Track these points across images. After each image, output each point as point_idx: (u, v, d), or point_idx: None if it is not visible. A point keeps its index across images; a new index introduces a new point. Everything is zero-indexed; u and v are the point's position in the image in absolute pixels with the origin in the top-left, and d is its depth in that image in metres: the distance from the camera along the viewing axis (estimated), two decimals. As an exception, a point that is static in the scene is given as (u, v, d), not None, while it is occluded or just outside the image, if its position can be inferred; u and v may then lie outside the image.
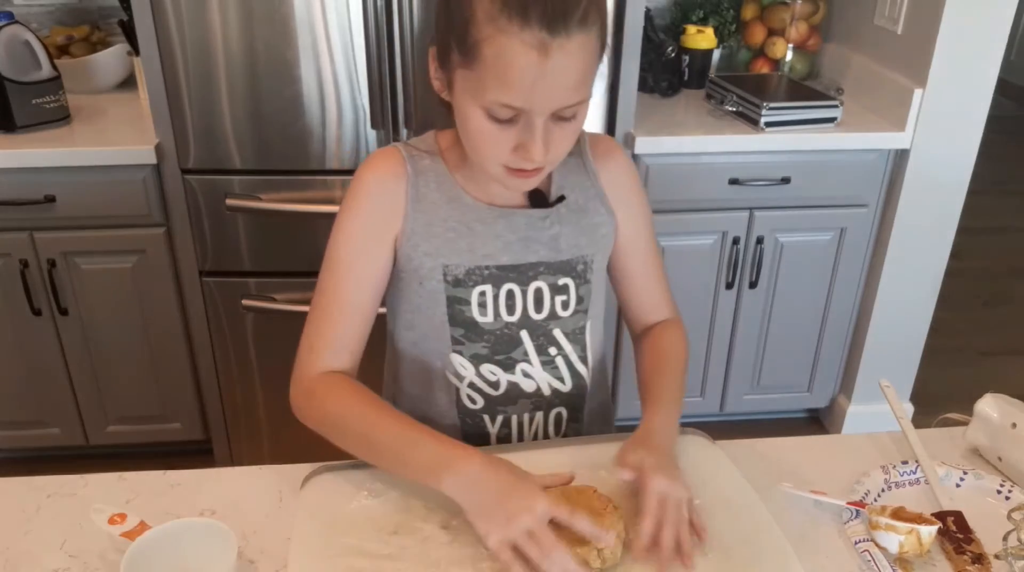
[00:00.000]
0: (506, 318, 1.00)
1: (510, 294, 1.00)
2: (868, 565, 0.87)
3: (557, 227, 1.00)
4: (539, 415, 1.06)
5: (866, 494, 0.97)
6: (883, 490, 0.99)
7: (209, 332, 2.09)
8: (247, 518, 0.94)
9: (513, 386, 1.04)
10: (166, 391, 2.19)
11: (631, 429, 0.98)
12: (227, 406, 2.18)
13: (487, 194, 1.00)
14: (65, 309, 2.05)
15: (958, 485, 1.00)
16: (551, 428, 1.07)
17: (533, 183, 0.94)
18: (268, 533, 0.93)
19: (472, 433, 1.06)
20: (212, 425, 2.23)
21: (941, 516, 0.93)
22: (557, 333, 1.03)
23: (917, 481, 1.01)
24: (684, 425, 1.07)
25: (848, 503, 0.95)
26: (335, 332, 0.99)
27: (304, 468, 0.99)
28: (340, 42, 1.82)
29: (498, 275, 0.99)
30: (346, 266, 0.99)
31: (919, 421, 1.08)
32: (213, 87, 1.84)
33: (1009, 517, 0.91)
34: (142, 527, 0.88)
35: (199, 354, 2.13)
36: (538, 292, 1.01)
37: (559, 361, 1.04)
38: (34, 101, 1.97)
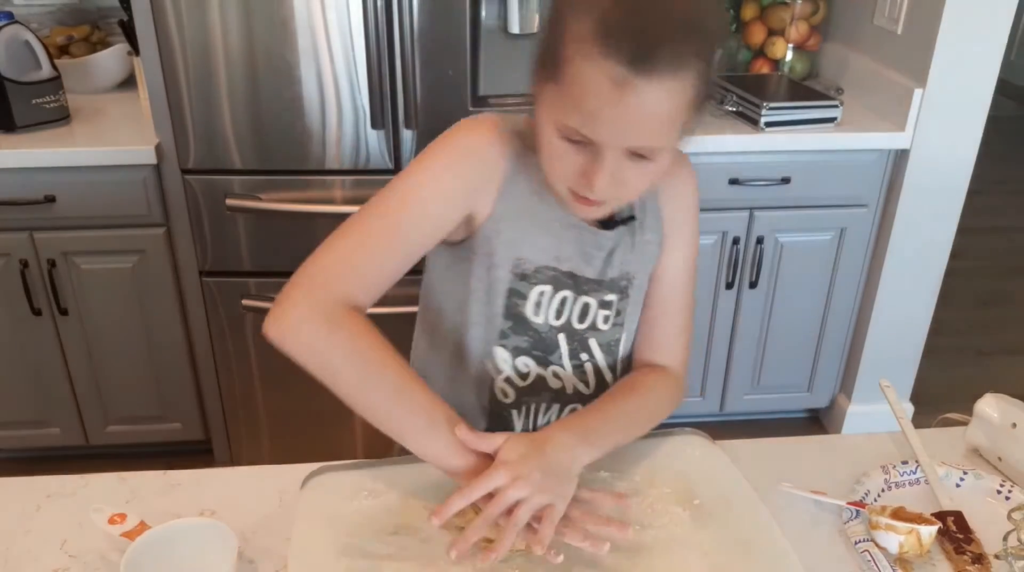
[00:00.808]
0: (552, 322, 0.99)
1: (563, 301, 0.98)
2: (868, 565, 0.87)
3: (616, 246, 0.98)
4: (556, 407, 1.05)
5: (866, 494, 0.97)
6: (883, 490, 0.99)
7: (209, 332, 2.09)
8: (247, 518, 0.94)
9: (540, 380, 1.03)
10: (166, 391, 2.19)
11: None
12: (227, 406, 2.18)
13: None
14: (65, 309, 2.05)
15: (958, 485, 1.00)
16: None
17: (596, 214, 0.91)
18: (268, 533, 0.93)
19: (497, 427, 1.04)
20: (212, 425, 2.23)
21: (941, 516, 0.93)
22: (592, 343, 1.02)
23: (917, 481, 1.01)
24: (684, 425, 1.07)
25: (848, 503, 0.95)
26: (381, 265, 0.90)
27: (304, 468, 0.99)
28: (340, 42, 1.82)
29: (560, 279, 0.97)
30: (421, 205, 0.90)
31: (919, 421, 1.08)
32: (213, 87, 1.84)
33: (1009, 517, 0.91)
34: (142, 527, 0.88)
35: (199, 354, 2.13)
36: (585, 306, 1.00)
37: (587, 366, 1.04)
38: (34, 101, 1.97)
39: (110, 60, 2.27)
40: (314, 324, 0.86)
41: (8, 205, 1.93)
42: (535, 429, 1.05)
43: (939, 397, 2.34)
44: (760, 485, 0.97)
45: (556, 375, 1.03)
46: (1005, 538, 0.88)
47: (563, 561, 0.82)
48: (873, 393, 2.37)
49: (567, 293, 0.98)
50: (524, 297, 0.97)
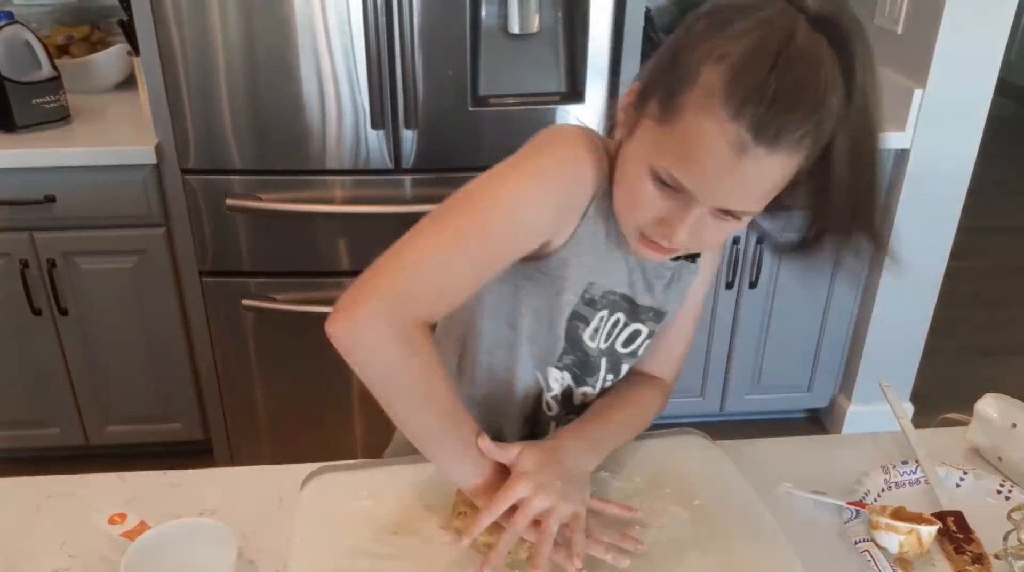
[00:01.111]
0: (601, 345, 0.97)
1: (615, 323, 0.96)
2: (868, 565, 0.87)
3: (673, 278, 0.97)
4: (572, 416, 1.04)
5: (866, 494, 0.97)
6: (883, 490, 0.99)
7: (209, 332, 2.09)
8: (247, 518, 0.94)
9: (567, 394, 1.02)
10: (166, 391, 2.19)
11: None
12: (227, 406, 2.18)
13: None
14: (65, 309, 2.05)
15: (958, 485, 1.00)
16: None
17: (658, 259, 0.87)
18: (268, 533, 0.93)
19: (538, 435, 1.03)
20: (212, 425, 2.23)
21: (941, 516, 0.93)
22: (624, 367, 1.02)
23: (917, 481, 1.01)
24: (684, 425, 1.07)
25: (848, 503, 0.95)
26: (465, 284, 0.84)
27: (304, 468, 0.99)
28: (340, 42, 1.82)
29: (618, 303, 0.95)
30: (519, 217, 0.84)
31: (919, 421, 1.08)
32: (213, 87, 1.84)
33: (1009, 517, 0.91)
34: (142, 527, 0.88)
35: (199, 354, 2.13)
36: (635, 333, 0.98)
37: (609, 384, 1.03)
38: (34, 101, 1.97)
39: (110, 60, 2.27)
40: (390, 348, 0.80)
41: (8, 205, 1.93)
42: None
43: (939, 397, 2.33)
44: (760, 485, 0.97)
45: (585, 394, 1.02)
46: (1005, 538, 0.88)
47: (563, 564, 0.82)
48: (873, 393, 2.37)
49: (620, 315, 0.96)
50: (587, 322, 0.94)
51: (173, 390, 2.19)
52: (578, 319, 0.93)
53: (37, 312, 2.05)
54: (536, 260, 0.89)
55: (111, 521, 0.89)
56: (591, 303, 0.93)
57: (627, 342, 0.99)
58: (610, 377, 1.01)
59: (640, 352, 1.01)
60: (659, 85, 0.78)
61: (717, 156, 0.73)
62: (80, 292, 2.05)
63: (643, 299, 0.96)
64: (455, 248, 0.82)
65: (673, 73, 0.76)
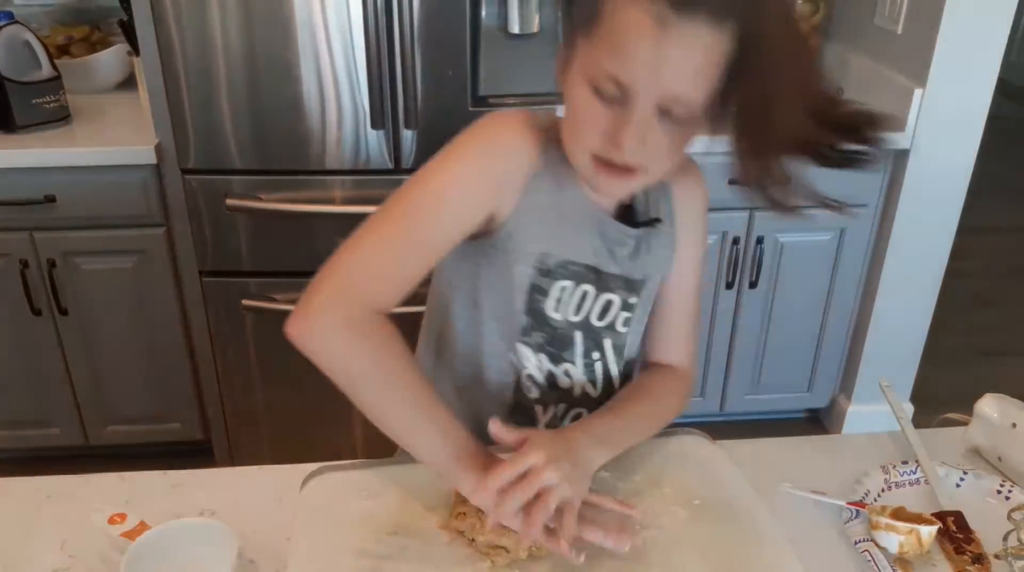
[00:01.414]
0: (571, 318, 0.98)
1: (584, 295, 0.97)
2: (868, 565, 0.87)
3: (639, 246, 0.98)
4: (562, 406, 1.04)
5: (866, 494, 0.97)
6: (883, 490, 0.99)
7: (209, 332, 2.09)
8: (247, 518, 0.94)
9: (551, 377, 1.02)
10: (166, 391, 2.19)
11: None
12: (227, 406, 2.18)
13: (592, 195, 0.95)
14: (65, 309, 2.05)
15: (958, 485, 1.00)
16: (567, 422, 1.06)
17: (619, 189, 0.89)
18: (268, 533, 0.93)
19: (523, 423, 1.02)
20: (212, 425, 2.23)
21: (941, 516, 0.93)
22: (607, 343, 1.02)
23: (917, 481, 1.01)
24: (684, 425, 1.07)
25: (848, 503, 0.95)
26: (405, 268, 0.88)
27: (304, 468, 0.99)
28: (340, 42, 1.82)
29: (582, 274, 0.96)
30: (447, 203, 0.88)
31: (919, 421, 1.07)
32: (213, 87, 1.84)
33: (1009, 517, 0.91)
34: (142, 527, 0.88)
35: (199, 354, 2.13)
36: (608, 303, 0.99)
37: (597, 366, 1.03)
38: (34, 101, 1.97)
39: (110, 60, 2.27)
40: (340, 332, 0.85)
41: (8, 205, 1.93)
42: (548, 426, 1.05)
43: (939, 397, 2.33)
44: (760, 485, 0.97)
45: (567, 373, 1.02)
46: (1005, 538, 0.88)
47: (562, 563, 0.82)
48: (873, 393, 2.37)
49: (588, 287, 0.97)
50: (546, 293, 0.96)
51: (173, 390, 2.19)
52: (537, 292, 0.95)
53: (37, 312, 2.05)
54: (487, 236, 0.93)
55: (111, 521, 0.89)
56: (548, 274, 0.94)
57: (602, 314, 0.99)
58: (595, 354, 1.01)
59: (620, 325, 1.00)
60: (580, 6, 0.83)
61: (642, 34, 0.77)
62: (80, 292, 2.05)
63: (609, 267, 0.96)
64: (393, 237, 0.87)
65: None
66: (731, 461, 1.00)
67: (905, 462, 1.02)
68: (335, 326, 0.85)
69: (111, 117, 2.11)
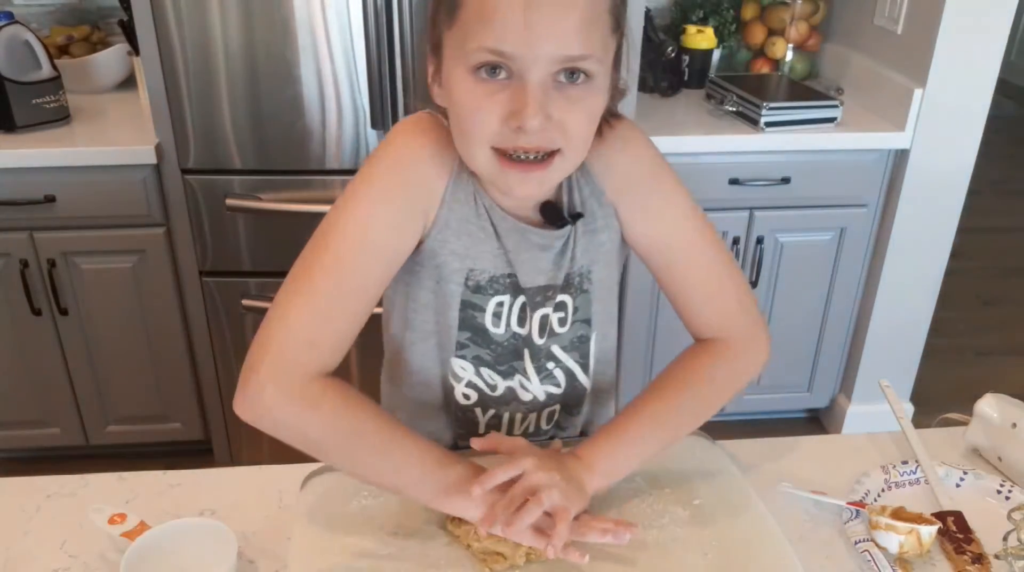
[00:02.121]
0: (516, 329, 0.95)
1: (523, 308, 0.94)
2: (868, 565, 0.87)
3: (566, 245, 0.92)
4: (532, 416, 1.04)
5: (866, 494, 0.97)
6: (883, 490, 0.99)
7: (209, 332, 2.09)
8: (247, 518, 0.94)
9: (510, 390, 1.00)
10: (166, 391, 2.19)
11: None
12: (227, 406, 2.18)
13: (506, 204, 0.90)
14: (65, 309, 2.05)
15: (958, 485, 1.00)
16: (543, 422, 1.05)
17: (532, 187, 0.82)
18: (268, 533, 0.93)
19: (461, 423, 1.03)
20: (212, 425, 2.23)
21: (941, 516, 0.93)
22: (556, 349, 0.98)
23: (917, 481, 1.01)
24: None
25: (848, 503, 0.95)
26: (343, 324, 0.84)
27: (304, 468, 0.99)
28: (340, 42, 1.82)
29: (517, 288, 0.92)
30: (372, 242, 0.84)
31: (919, 421, 1.08)
32: (213, 87, 1.84)
33: (1009, 517, 0.91)
34: (142, 527, 0.88)
35: (199, 354, 2.13)
36: (544, 318, 0.95)
37: (557, 372, 1.00)
38: (34, 101, 1.97)
39: (110, 60, 2.27)
40: (287, 408, 0.83)
41: (8, 205, 1.93)
42: (510, 431, 1.04)
43: (939, 397, 2.34)
44: (760, 485, 0.97)
45: (523, 386, 0.99)
46: (1005, 538, 0.88)
47: (562, 564, 0.82)
48: (873, 393, 2.37)
49: (522, 299, 0.93)
50: (481, 309, 0.92)
51: (173, 390, 2.19)
52: (472, 308, 0.92)
53: (37, 312, 2.05)
54: (414, 254, 0.89)
55: (111, 521, 0.89)
56: (479, 290, 0.91)
57: (541, 331, 0.95)
58: (550, 365, 0.97)
59: (557, 327, 0.95)
60: (438, 9, 0.79)
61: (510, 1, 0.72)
62: (80, 292, 2.05)
63: (536, 280, 0.91)
64: (320, 295, 0.83)
65: None
66: (731, 461, 1.00)
67: (905, 462, 1.02)
68: (280, 404, 0.83)
69: (111, 117, 2.11)
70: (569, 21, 0.74)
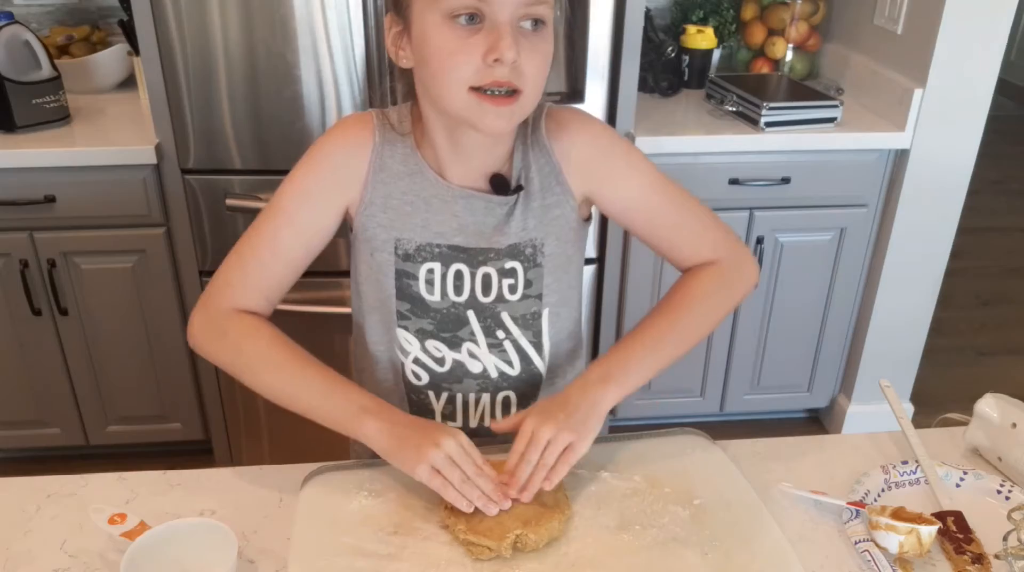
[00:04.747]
0: (453, 298, 1.01)
1: (458, 274, 1.00)
2: (868, 565, 0.87)
3: (514, 213, 0.99)
4: (485, 396, 1.06)
5: (866, 494, 0.97)
6: (883, 490, 0.99)
7: (209, 332, 2.09)
8: (247, 518, 0.94)
9: (458, 364, 1.04)
10: (166, 391, 2.19)
11: (623, 429, 0.98)
12: (227, 406, 2.18)
13: (450, 173, 0.98)
14: (65, 309, 2.05)
15: (958, 485, 1.00)
16: (498, 410, 1.07)
17: (504, 120, 0.89)
18: (268, 533, 0.93)
19: (417, 409, 1.06)
20: (212, 425, 2.23)
21: (941, 516, 0.93)
22: (505, 317, 1.02)
23: (917, 481, 1.01)
24: (684, 425, 1.07)
25: (848, 503, 0.95)
26: (260, 274, 1.00)
27: (304, 468, 0.99)
28: (340, 42, 1.82)
29: (448, 254, 0.99)
30: (287, 215, 0.99)
31: (919, 421, 1.08)
32: (213, 87, 1.84)
33: (1009, 517, 0.91)
34: (142, 527, 0.88)
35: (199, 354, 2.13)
36: (486, 277, 1.00)
37: (507, 345, 1.03)
38: (34, 101, 1.97)
39: (110, 60, 2.27)
40: (202, 335, 1.00)
41: (8, 205, 1.93)
42: (466, 418, 1.08)
43: (939, 397, 2.34)
44: (760, 485, 0.97)
45: (472, 354, 1.03)
46: (1005, 538, 0.88)
47: (563, 562, 0.82)
48: (873, 393, 2.37)
49: (460, 266, 0.99)
50: (413, 277, 1.00)
51: (173, 390, 2.19)
52: (405, 277, 1.00)
53: (37, 312, 2.05)
54: (354, 232, 1.02)
55: (111, 521, 0.89)
56: (409, 258, 0.99)
57: (485, 290, 1.01)
58: (499, 334, 1.03)
59: (508, 294, 1.01)
60: None
61: None
62: (80, 292, 2.05)
63: (477, 242, 0.99)
64: (238, 255, 1.01)
65: None
66: (731, 461, 1.00)
67: (905, 462, 1.02)
68: (196, 333, 1.01)
69: (111, 117, 2.11)
70: None
